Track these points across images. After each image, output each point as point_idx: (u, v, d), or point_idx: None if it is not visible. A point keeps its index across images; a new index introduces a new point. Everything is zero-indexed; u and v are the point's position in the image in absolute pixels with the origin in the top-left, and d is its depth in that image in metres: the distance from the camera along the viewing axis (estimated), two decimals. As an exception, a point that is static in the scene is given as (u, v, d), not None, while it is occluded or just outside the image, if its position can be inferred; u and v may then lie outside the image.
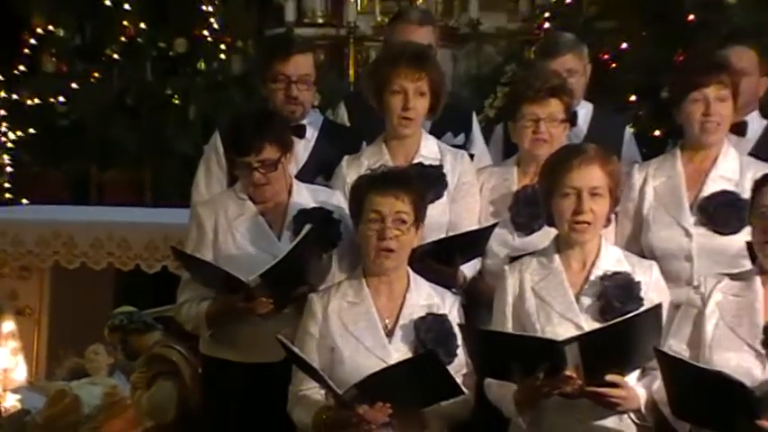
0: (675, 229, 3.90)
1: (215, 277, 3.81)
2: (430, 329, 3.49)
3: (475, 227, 4.02)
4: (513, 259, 3.75)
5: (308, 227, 3.76)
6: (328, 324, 3.54)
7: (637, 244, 3.91)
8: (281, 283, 3.73)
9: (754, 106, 4.65)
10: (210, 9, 7.22)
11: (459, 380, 3.43)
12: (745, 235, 3.66)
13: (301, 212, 3.92)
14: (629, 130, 4.91)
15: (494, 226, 3.97)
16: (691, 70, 4.11)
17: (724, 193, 3.88)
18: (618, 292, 3.42)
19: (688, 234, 3.88)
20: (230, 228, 3.91)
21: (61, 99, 7.28)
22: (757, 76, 4.66)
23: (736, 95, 3.94)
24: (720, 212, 3.85)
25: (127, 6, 7.11)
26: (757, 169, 3.80)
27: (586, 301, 3.45)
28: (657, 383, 3.30)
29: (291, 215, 3.92)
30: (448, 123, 4.48)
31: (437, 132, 4.33)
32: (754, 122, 4.59)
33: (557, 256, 3.52)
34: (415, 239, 3.58)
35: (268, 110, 4.22)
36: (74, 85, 7.22)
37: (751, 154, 4.15)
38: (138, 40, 7.17)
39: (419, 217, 3.56)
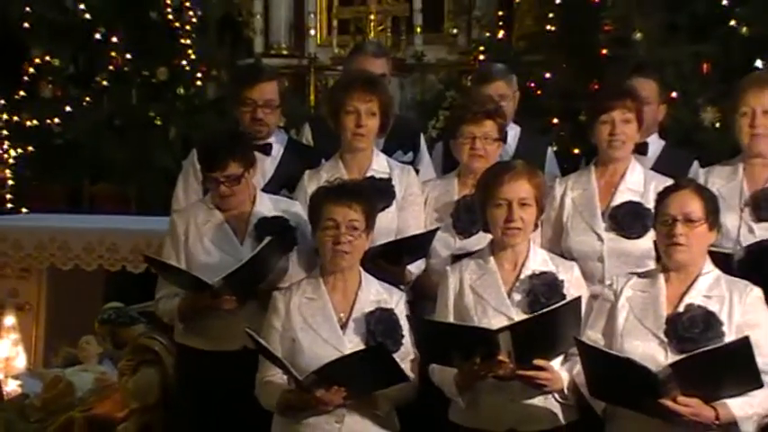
0: (589, 235, 3.91)
1: (183, 279, 3.80)
2: (379, 322, 3.48)
3: (420, 231, 4.02)
4: (454, 259, 3.75)
5: (268, 238, 3.75)
6: (290, 318, 3.51)
7: (558, 247, 3.91)
8: (244, 283, 3.71)
9: (654, 129, 4.68)
10: (188, 42, 7.19)
11: (405, 366, 3.42)
12: (649, 239, 3.70)
13: (262, 221, 3.90)
14: (550, 150, 4.93)
15: (436, 230, 3.97)
16: (601, 97, 4.15)
17: (630, 203, 3.90)
18: (544, 288, 3.43)
19: (600, 239, 3.89)
20: (199, 233, 3.89)
21: (57, 121, 7.20)
22: (657, 103, 4.70)
23: (640, 118, 3.97)
24: (627, 220, 3.87)
25: (115, 39, 7.05)
26: (659, 182, 3.83)
27: (517, 296, 3.45)
28: (578, 367, 3.30)
29: (254, 223, 3.90)
30: (398, 142, 4.49)
31: (389, 150, 4.33)
32: (654, 144, 4.63)
33: (491, 258, 3.52)
34: (367, 243, 3.57)
35: (234, 130, 4.22)
36: (68, 109, 7.14)
37: (653, 170, 4.18)
38: (125, 69, 7.12)
39: (370, 224, 3.55)
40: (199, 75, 7.19)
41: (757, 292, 3.28)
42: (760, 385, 3.09)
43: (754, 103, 3.81)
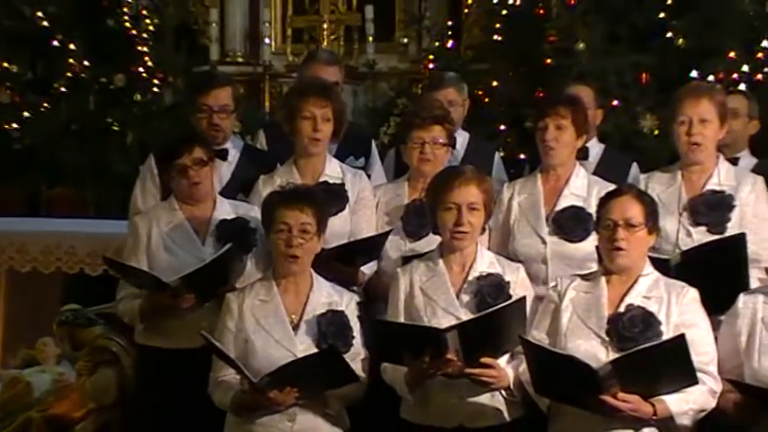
0: (534, 238, 3.95)
1: (143, 279, 3.78)
2: (330, 323, 3.48)
3: (372, 234, 4.03)
4: (404, 261, 3.77)
5: (229, 244, 3.75)
6: (243, 319, 3.50)
7: (505, 249, 3.94)
8: (204, 284, 3.70)
9: (593, 134, 4.73)
10: (145, 49, 7.13)
11: (356, 366, 3.43)
12: (591, 242, 3.74)
13: (223, 222, 3.89)
14: (498, 155, 4.97)
15: (388, 233, 3.98)
16: (537, 105, 4.19)
17: (573, 207, 3.93)
18: (491, 290, 3.45)
19: (544, 242, 3.93)
20: (162, 235, 3.87)
21: (15, 126, 7.10)
22: (594, 109, 4.75)
23: (577, 125, 3.99)
24: (570, 224, 3.91)
25: (72, 46, 6.97)
26: (601, 187, 3.87)
27: (465, 297, 3.47)
28: (523, 365, 3.33)
29: (214, 224, 3.89)
30: (351, 148, 4.50)
31: (341, 156, 4.34)
32: (594, 148, 4.68)
33: (441, 260, 3.54)
34: (318, 246, 3.56)
35: (194, 130, 4.23)
36: (26, 114, 7.05)
37: (594, 174, 4.22)
38: (83, 75, 7.03)
39: (321, 227, 3.55)
40: (156, 81, 7.13)
41: (693, 293, 3.33)
42: (695, 382, 3.14)
43: (690, 113, 3.86)
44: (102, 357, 4.65)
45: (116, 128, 6.99)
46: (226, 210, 3.94)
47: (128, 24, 7.17)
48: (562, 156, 3.98)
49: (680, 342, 3.07)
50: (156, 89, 7.19)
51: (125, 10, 7.16)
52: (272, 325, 3.48)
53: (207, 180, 3.89)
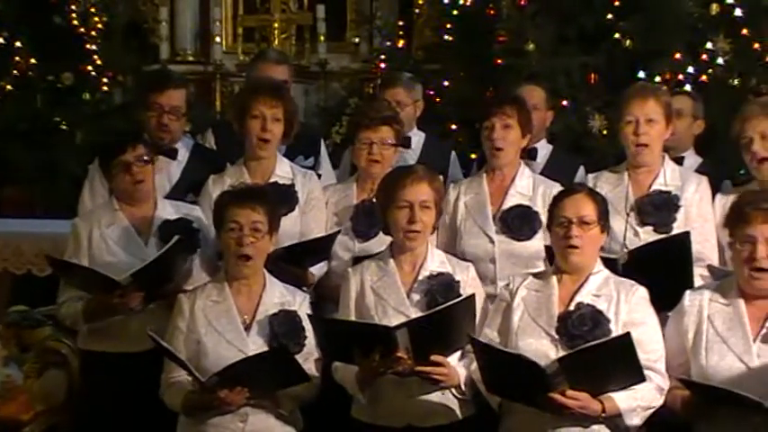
0: (482, 237, 3.97)
1: (89, 279, 3.72)
2: (282, 324, 3.47)
3: (321, 234, 4.01)
4: (355, 261, 3.76)
5: (176, 237, 3.71)
6: (194, 320, 3.48)
7: (454, 249, 3.95)
8: (151, 282, 3.67)
9: (542, 135, 4.77)
10: (94, 47, 7.04)
11: (308, 365, 3.42)
12: (538, 241, 3.77)
13: (166, 222, 3.87)
14: (454, 154, 4.99)
15: (337, 233, 3.98)
16: (484, 104, 4.21)
17: (520, 206, 3.97)
18: (441, 289, 3.46)
19: (492, 241, 3.95)
20: (103, 236, 3.84)
21: (-39, 125, 6.98)
22: (545, 110, 4.79)
23: (523, 125, 4.02)
24: (517, 223, 3.94)
25: (19, 44, 6.86)
26: (546, 186, 3.91)
27: (416, 296, 3.47)
28: (474, 364, 3.34)
29: (157, 225, 3.86)
30: (299, 148, 4.48)
31: (290, 155, 4.32)
32: (543, 149, 4.72)
33: (391, 260, 3.54)
34: (270, 246, 3.55)
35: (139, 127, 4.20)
36: (-28, 113, 6.92)
37: (541, 174, 4.25)
38: (30, 73, 6.93)
39: (273, 226, 3.54)
40: (105, 80, 7.04)
41: (642, 291, 3.37)
42: (642, 379, 3.18)
43: (637, 113, 3.90)
44: (50, 359, 4.60)
45: (64, 127, 6.90)
46: (167, 210, 3.92)
47: (76, 22, 7.07)
48: (509, 155, 4.01)
49: (626, 340, 3.10)
50: (105, 88, 7.11)
51: (73, 7, 7.06)
52: (223, 326, 3.46)
53: (149, 179, 3.86)
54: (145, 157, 3.82)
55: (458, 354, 3.42)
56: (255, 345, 3.42)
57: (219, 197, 3.63)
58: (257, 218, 3.47)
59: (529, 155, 4.48)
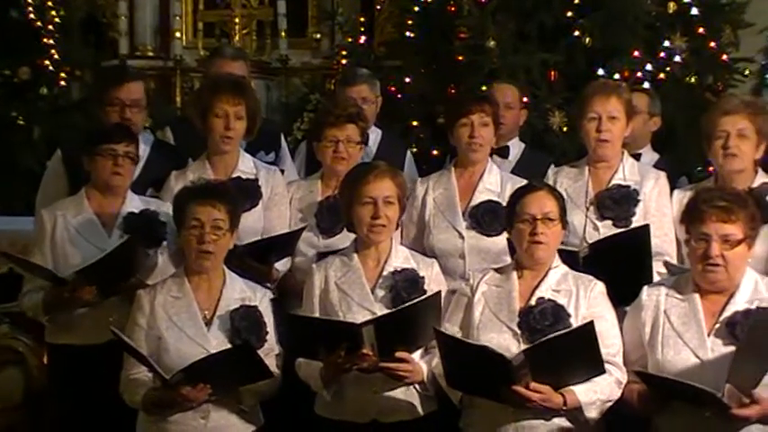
0: (451, 233, 3.99)
1: (41, 274, 3.74)
2: (243, 319, 3.46)
3: (285, 230, 4.01)
4: (319, 257, 3.76)
5: (126, 236, 3.72)
6: (155, 316, 3.46)
7: (421, 245, 3.97)
8: (101, 278, 3.66)
9: (515, 134, 4.81)
10: (52, 42, 6.95)
11: (270, 361, 3.42)
12: (505, 237, 3.79)
13: (131, 215, 3.86)
14: (409, 153, 5.01)
15: (302, 230, 3.97)
16: (460, 101, 4.24)
17: (489, 202, 4.00)
18: (405, 284, 3.48)
19: (461, 236, 3.98)
20: (67, 226, 3.83)
21: None
22: (518, 109, 4.83)
23: (496, 122, 4.07)
24: (486, 218, 3.96)
25: (-27, 38, 6.78)
26: (514, 182, 3.93)
27: (380, 292, 3.49)
28: (436, 360, 3.36)
29: (123, 216, 3.85)
30: (261, 143, 4.47)
31: (251, 151, 4.31)
32: (515, 147, 4.76)
33: (355, 256, 3.55)
34: (231, 242, 3.54)
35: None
36: (-73, 109, 6.81)
37: (513, 172, 4.29)
38: (-15, 68, 6.84)
39: (234, 223, 3.53)
40: (63, 75, 6.95)
41: (600, 287, 3.41)
42: (603, 371, 3.22)
43: (600, 110, 3.94)
44: (7, 357, 4.56)
45: (21, 122, 6.81)
46: (136, 204, 3.91)
47: (33, 16, 6.98)
48: (485, 152, 4.05)
49: (588, 329, 3.14)
50: (63, 83, 7.02)
51: (29, 1, 6.97)
52: (184, 321, 3.44)
53: (128, 176, 3.88)
54: (131, 156, 3.85)
55: (421, 350, 3.44)
56: (216, 340, 3.42)
57: (180, 193, 3.62)
58: (218, 215, 3.46)
59: (501, 153, 4.52)
